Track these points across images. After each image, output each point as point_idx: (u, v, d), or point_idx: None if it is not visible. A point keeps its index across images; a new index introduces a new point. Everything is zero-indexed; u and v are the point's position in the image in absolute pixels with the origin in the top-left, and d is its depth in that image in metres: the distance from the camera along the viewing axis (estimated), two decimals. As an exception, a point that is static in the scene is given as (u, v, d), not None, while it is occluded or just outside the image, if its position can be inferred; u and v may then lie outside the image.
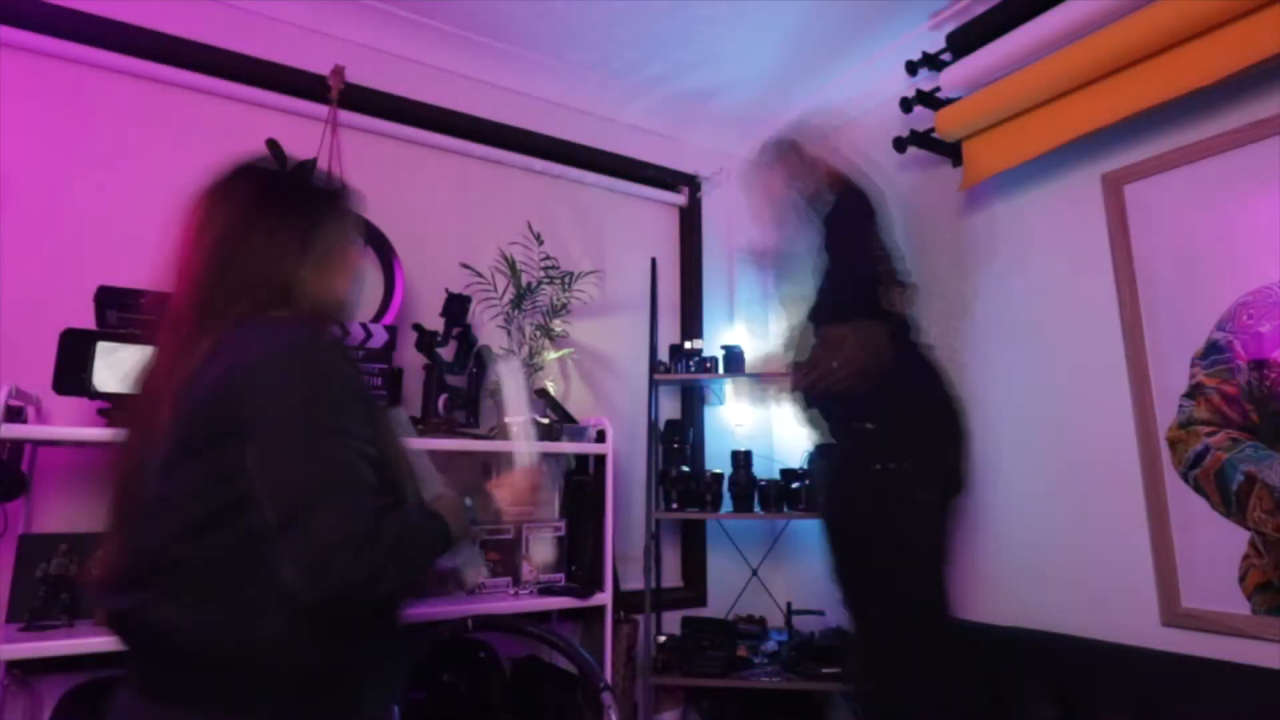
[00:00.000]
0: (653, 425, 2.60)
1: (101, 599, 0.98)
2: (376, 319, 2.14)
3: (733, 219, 3.01)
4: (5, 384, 1.53)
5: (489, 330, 2.34)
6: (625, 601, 2.36)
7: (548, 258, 2.42)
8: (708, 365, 2.54)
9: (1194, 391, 1.73)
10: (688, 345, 2.60)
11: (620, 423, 2.53)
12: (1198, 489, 1.70)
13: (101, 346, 1.57)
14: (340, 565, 0.84)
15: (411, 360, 2.13)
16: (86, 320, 1.63)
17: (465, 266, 2.32)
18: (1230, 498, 1.64)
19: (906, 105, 2.26)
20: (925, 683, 1.73)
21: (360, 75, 2.30)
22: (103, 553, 0.97)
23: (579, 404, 2.52)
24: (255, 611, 0.87)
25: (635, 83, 2.72)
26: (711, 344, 2.72)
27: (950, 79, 2.16)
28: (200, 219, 1.04)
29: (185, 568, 0.88)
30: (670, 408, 2.77)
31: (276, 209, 1.06)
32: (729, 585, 2.70)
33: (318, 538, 0.84)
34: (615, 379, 2.67)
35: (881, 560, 1.78)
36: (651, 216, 2.90)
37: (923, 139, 2.30)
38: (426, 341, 2.10)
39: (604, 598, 2.08)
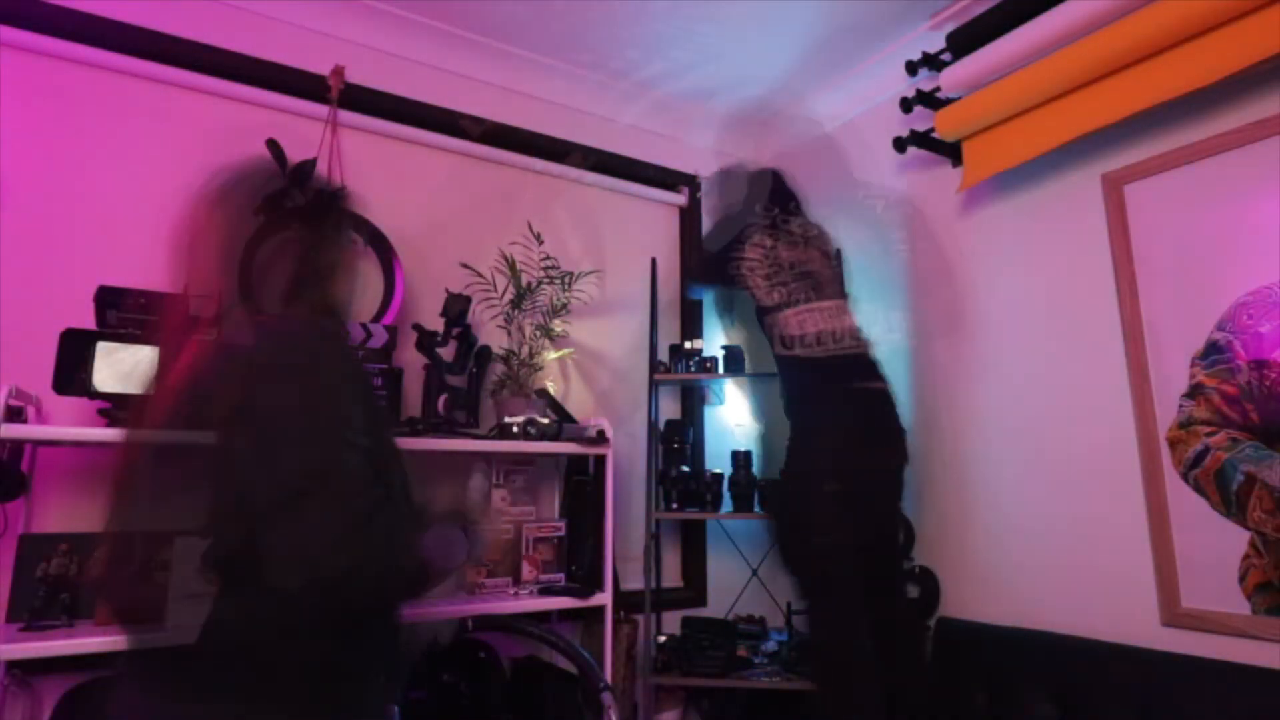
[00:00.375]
0: (653, 425, 2.59)
1: (109, 594, 0.99)
2: (376, 319, 2.14)
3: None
4: (5, 384, 1.53)
5: (489, 330, 2.34)
6: (625, 601, 2.36)
7: (548, 258, 2.42)
8: (708, 365, 2.54)
9: (1194, 391, 1.73)
10: (688, 345, 2.60)
11: (620, 423, 2.53)
12: (1198, 489, 1.70)
13: (101, 346, 1.57)
14: (327, 556, 0.85)
15: (412, 360, 2.13)
16: (86, 320, 1.63)
17: (465, 266, 2.32)
18: (1230, 498, 1.64)
19: (906, 105, 2.26)
20: (833, 663, 1.81)
21: (360, 75, 2.30)
22: (105, 548, 0.98)
23: (579, 404, 2.52)
24: (264, 605, 0.89)
25: (635, 83, 2.72)
26: (711, 344, 2.72)
27: (950, 79, 2.16)
28: (205, 222, 1.05)
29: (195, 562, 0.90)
30: (670, 408, 2.77)
31: (280, 213, 1.08)
32: (729, 585, 2.70)
33: (305, 529, 0.85)
34: (615, 379, 2.67)
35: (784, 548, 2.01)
36: (651, 216, 2.90)
37: (923, 139, 2.30)
38: (426, 341, 2.10)
39: (604, 598, 2.08)
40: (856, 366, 2.05)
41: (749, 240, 2.21)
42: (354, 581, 0.88)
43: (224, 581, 0.90)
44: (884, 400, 2.04)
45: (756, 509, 2.41)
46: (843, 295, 2.20)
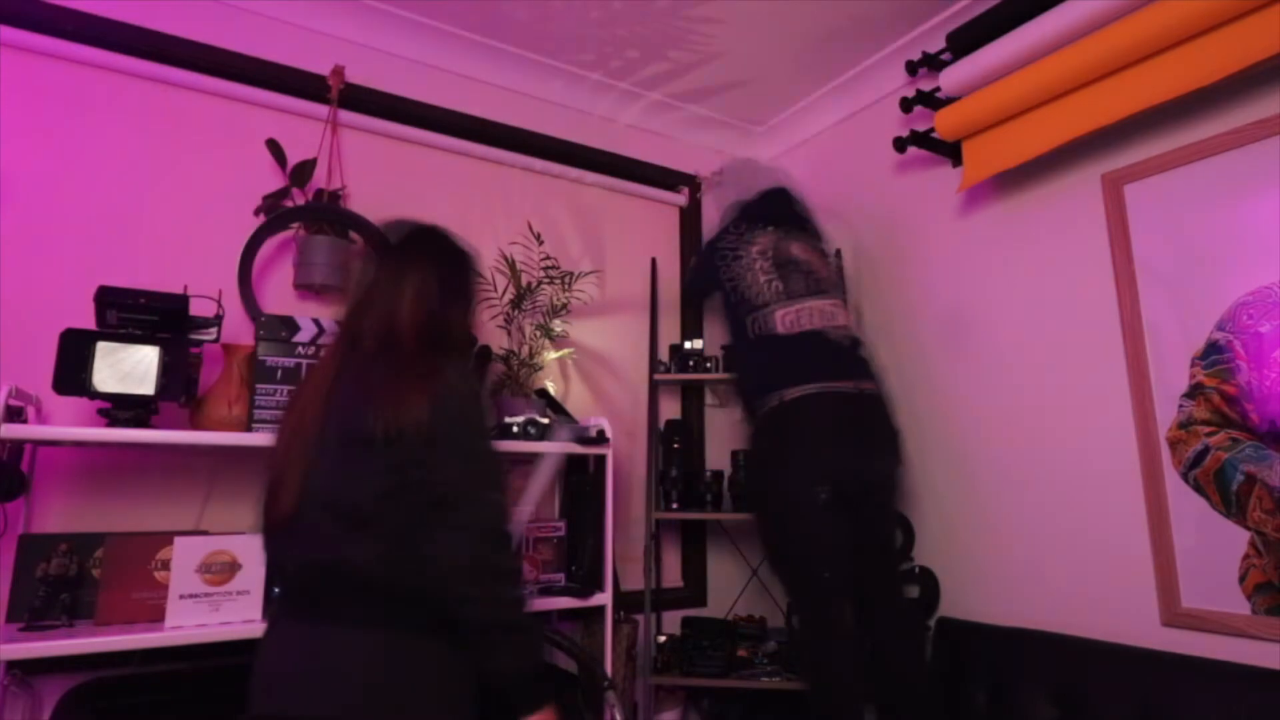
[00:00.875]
0: (653, 425, 2.60)
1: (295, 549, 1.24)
2: (376, 319, 2.13)
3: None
4: (5, 384, 1.53)
5: (489, 330, 2.34)
6: (625, 601, 2.36)
7: (548, 258, 2.42)
8: (708, 365, 2.54)
9: (1194, 391, 1.73)
10: (688, 345, 2.60)
11: (620, 423, 2.53)
12: (1198, 489, 1.70)
13: (101, 346, 1.57)
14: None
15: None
16: (86, 320, 1.63)
17: (465, 264, 2.31)
18: (1230, 498, 1.64)
19: (906, 105, 2.26)
20: (814, 662, 1.88)
21: (360, 75, 2.30)
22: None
23: (579, 404, 2.52)
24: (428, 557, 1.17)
25: (635, 82, 2.72)
26: (711, 344, 2.72)
27: (950, 79, 2.16)
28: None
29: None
30: (670, 408, 2.77)
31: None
32: (729, 585, 2.70)
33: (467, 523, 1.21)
34: (615, 379, 2.67)
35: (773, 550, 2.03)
36: (651, 216, 2.90)
37: (923, 139, 2.30)
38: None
39: (604, 598, 2.08)
40: (848, 361, 2.03)
41: (753, 232, 2.19)
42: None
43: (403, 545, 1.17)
44: (876, 402, 2.02)
45: (757, 509, 2.41)
46: (840, 296, 2.18)
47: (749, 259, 2.14)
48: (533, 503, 1.63)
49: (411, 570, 1.16)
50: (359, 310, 1.34)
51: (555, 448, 2.12)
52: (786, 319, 2.04)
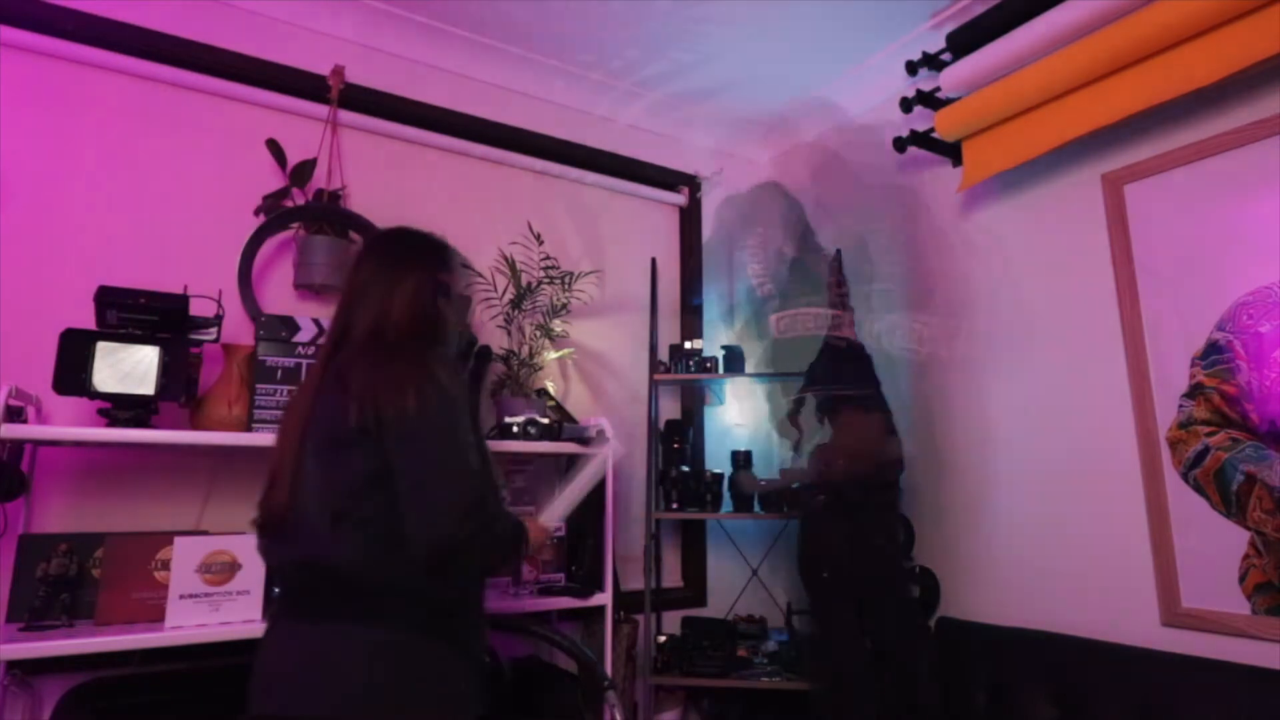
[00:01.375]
0: (653, 425, 2.59)
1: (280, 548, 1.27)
2: (376, 319, 2.13)
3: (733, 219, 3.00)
4: (5, 384, 1.53)
5: (489, 330, 2.34)
6: (625, 601, 2.36)
7: (548, 258, 2.42)
8: (708, 365, 2.54)
9: (1194, 391, 1.73)
10: (688, 345, 2.60)
11: (620, 423, 2.53)
12: (1198, 489, 1.70)
13: (101, 346, 1.57)
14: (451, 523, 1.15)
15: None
16: (86, 320, 1.63)
17: (465, 266, 2.31)
18: (1230, 498, 1.64)
19: (906, 105, 2.26)
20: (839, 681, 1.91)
21: (360, 75, 2.30)
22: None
23: (579, 404, 2.52)
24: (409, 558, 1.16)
25: (635, 83, 2.72)
26: (711, 344, 2.72)
27: (950, 79, 2.16)
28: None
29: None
30: (670, 408, 2.77)
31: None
32: (729, 585, 2.70)
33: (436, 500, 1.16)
34: (615, 379, 2.67)
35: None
36: (651, 216, 2.90)
37: (923, 139, 2.30)
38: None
39: (604, 598, 2.08)
40: (847, 368, 2.02)
41: (753, 230, 2.19)
42: (466, 546, 1.16)
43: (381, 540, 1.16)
44: (874, 406, 2.02)
45: (757, 509, 2.41)
46: (841, 305, 2.17)
47: (752, 249, 2.15)
48: (567, 509, 1.61)
49: (401, 565, 1.16)
50: (351, 304, 1.34)
51: (556, 448, 2.11)
52: (781, 324, 2.05)
